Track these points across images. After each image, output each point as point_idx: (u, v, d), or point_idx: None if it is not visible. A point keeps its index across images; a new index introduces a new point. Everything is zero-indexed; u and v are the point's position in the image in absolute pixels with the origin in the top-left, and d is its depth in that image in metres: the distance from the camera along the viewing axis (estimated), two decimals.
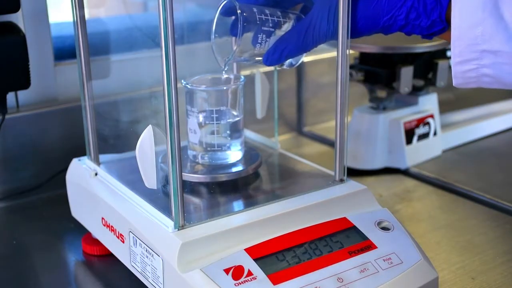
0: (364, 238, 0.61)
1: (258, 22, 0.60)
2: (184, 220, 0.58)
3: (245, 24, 0.59)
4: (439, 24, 0.57)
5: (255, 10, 0.61)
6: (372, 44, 0.94)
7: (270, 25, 0.61)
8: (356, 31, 0.61)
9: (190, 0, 1.06)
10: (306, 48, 0.61)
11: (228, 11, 0.63)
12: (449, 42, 0.56)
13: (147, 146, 0.59)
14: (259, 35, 0.61)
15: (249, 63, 0.64)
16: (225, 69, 0.64)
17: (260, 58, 0.62)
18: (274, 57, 0.61)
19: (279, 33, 0.62)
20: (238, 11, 0.59)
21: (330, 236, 0.60)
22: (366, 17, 0.59)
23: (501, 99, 1.23)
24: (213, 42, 0.63)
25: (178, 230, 0.58)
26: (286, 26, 0.63)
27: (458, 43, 0.55)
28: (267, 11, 0.62)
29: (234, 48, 0.61)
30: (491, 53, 0.54)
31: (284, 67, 0.66)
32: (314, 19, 0.60)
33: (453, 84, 0.58)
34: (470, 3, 0.54)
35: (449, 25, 0.56)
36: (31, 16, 0.90)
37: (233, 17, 0.63)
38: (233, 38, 0.63)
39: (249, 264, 0.56)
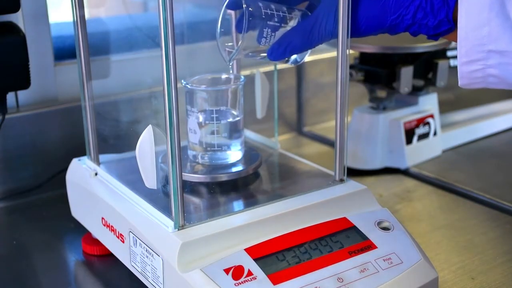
0: (364, 238, 0.61)
1: (263, 16, 0.60)
2: (184, 220, 0.58)
3: (250, 18, 0.59)
4: (446, 24, 0.57)
5: (260, 4, 0.60)
6: (372, 44, 0.94)
7: (276, 20, 0.61)
8: (362, 31, 0.60)
9: (190, 0, 1.06)
10: (311, 44, 0.60)
11: (233, 5, 0.62)
12: (455, 42, 0.56)
13: (147, 146, 0.59)
14: (264, 29, 0.60)
15: (254, 58, 0.64)
16: (230, 64, 0.64)
17: (265, 54, 0.62)
18: (278, 51, 0.60)
19: (285, 29, 0.61)
20: (244, 5, 0.59)
21: (330, 236, 0.60)
22: (373, 16, 0.59)
23: (501, 99, 1.23)
24: (218, 38, 0.63)
25: (178, 230, 0.58)
26: (292, 23, 0.62)
27: (464, 43, 0.55)
28: (272, 6, 0.61)
29: (239, 43, 0.60)
30: (497, 53, 0.54)
31: (289, 63, 0.65)
32: (321, 16, 0.60)
33: (459, 85, 0.58)
34: (477, 3, 0.54)
35: (455, 25, 0.56)
36: (31, 16, 0.90)
37: (239, 13, 0.63)
38: (238, 34, 0.63)
39: (249, 264, 0.56)
